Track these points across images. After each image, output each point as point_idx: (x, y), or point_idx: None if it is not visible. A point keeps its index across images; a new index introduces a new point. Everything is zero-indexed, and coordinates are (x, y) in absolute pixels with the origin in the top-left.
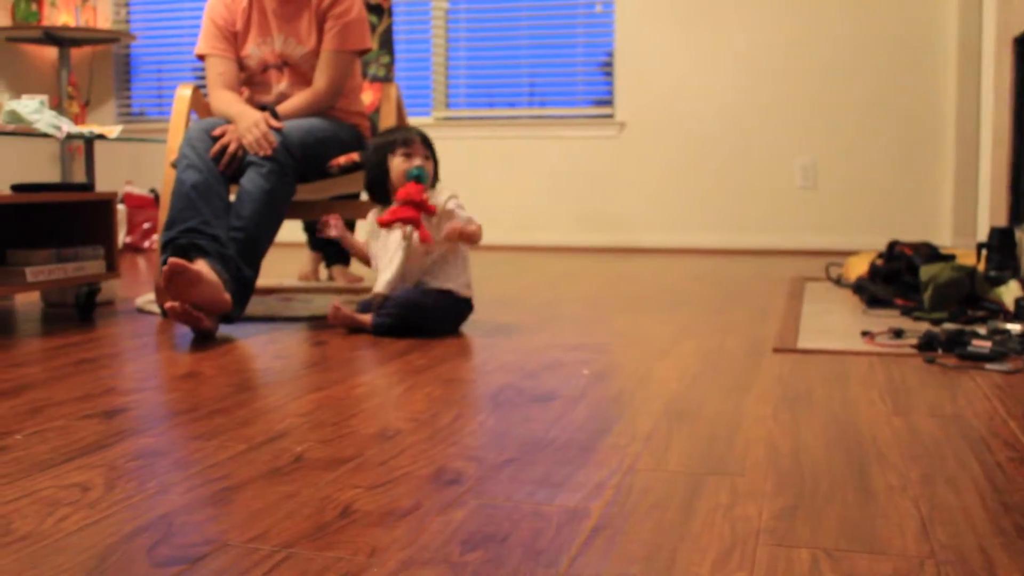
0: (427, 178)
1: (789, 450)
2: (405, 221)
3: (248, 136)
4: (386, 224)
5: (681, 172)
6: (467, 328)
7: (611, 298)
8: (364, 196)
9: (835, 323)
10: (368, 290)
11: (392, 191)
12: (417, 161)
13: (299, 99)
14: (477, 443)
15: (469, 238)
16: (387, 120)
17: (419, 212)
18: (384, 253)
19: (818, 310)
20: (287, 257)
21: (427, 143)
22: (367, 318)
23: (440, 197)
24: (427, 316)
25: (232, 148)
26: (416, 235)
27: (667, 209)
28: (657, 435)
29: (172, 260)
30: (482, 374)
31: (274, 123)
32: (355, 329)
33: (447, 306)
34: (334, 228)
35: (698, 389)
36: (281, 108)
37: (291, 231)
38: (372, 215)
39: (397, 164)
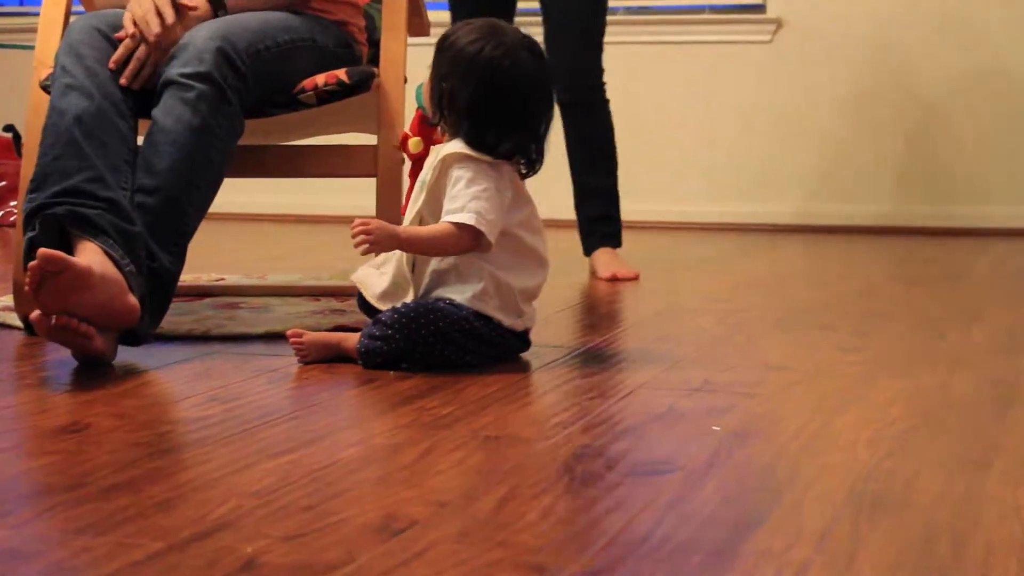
0: (420, 101)
1: None
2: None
3: (136, 8)
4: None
5: (871, 101)
6: (528, 352)
7: (759, 305)
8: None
9: None
10: None
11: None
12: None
13: None
14: (540, 542)
15: (401, 242)
16: (394, 15)
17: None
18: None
19: None
20: (232, 236)
21: (441, 48)
22: (352, 339)
23: (444, 150)
24: (445, 345)
25: (140, 51)
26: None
27: (849, 161)
28: (838, 533)
29: (44, 252)
30: (547, 430)
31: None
32: (338, 357)
33: (481, 336)
34: None
35: (906, 459)
36: None
37: (241, 191)
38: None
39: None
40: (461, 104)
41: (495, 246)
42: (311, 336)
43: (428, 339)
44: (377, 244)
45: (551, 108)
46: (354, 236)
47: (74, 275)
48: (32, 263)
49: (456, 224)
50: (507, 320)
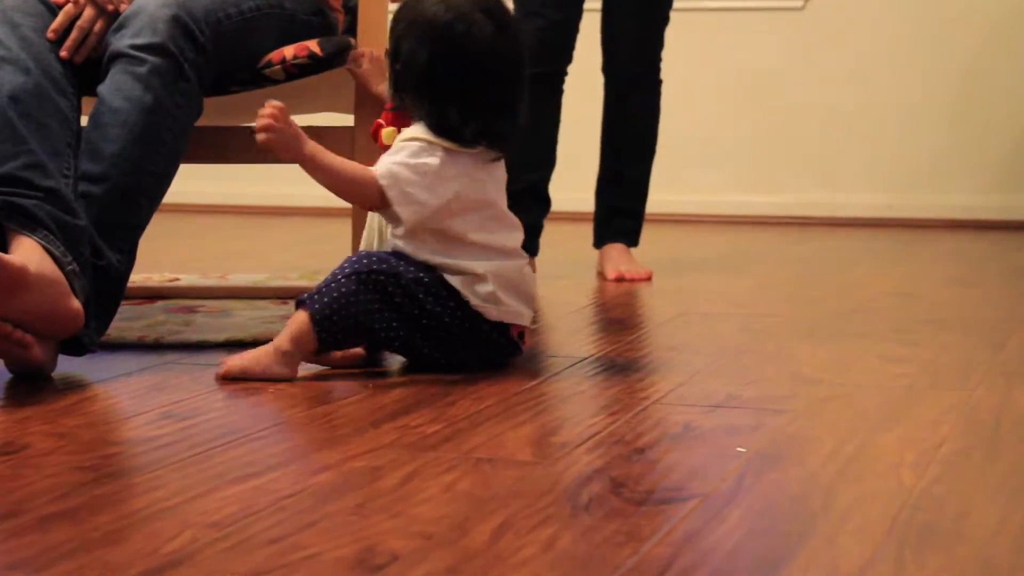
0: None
1: None
2: None
3: None
4: None
5: (914, 75)
6: (525, 362)
7: (788, 309)
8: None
9: None
10: None
11: None
12: None
13: None
14: None
15: (303, 154)
16: None
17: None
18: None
19: None
20: (189, 230)
21: (393, 20)
22: (269, 350)
23: (403, 135)
24: (404, 297)
25: (83, 18)
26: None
27: (890, 143)
28: (879, 571)
29: None
30: (547, 451)
31: None
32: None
33: (445, 303)
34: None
35: (958, 486)
36: None
37: (199, 179)
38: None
39: None
40: (415, 80)
41: (442, 244)
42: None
43: (386, 288)
44: (276, 141)
45: (518, 80)
46: (259, 118)
47: (7, 276)
48: None
49: (375, 176)
50: (474, 299)
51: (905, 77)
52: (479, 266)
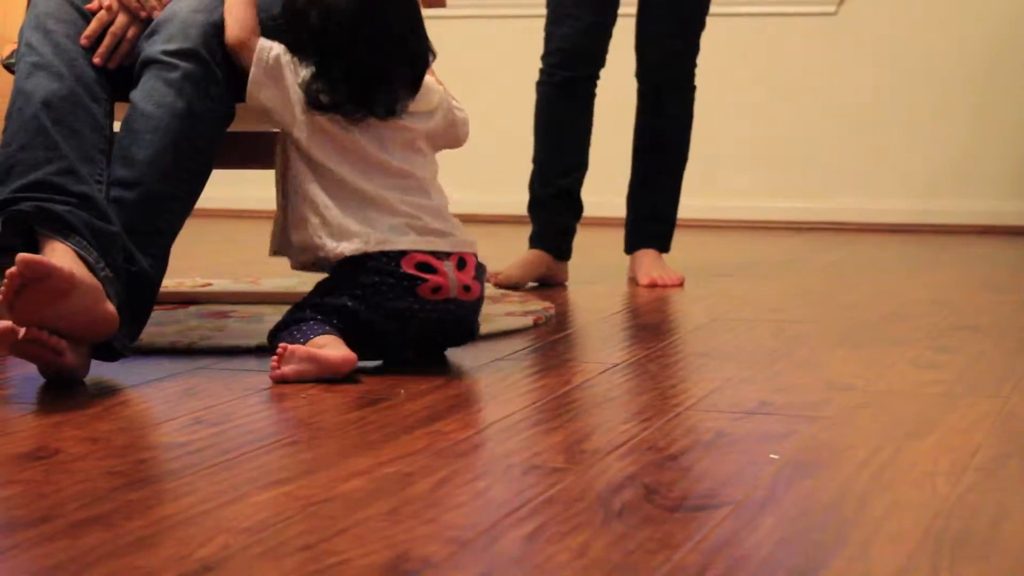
0: None
1: None
2: None
3: None
4: None
5: (954, 87)
6: (556, 368)
7: (821, 315)
8: None
9: None
10: None
11: None
12: None
13: None
14: None
15: None
16: None
17: None
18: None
19: None
20: (221, 235)
21: None
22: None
23: None
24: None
25: (116, 25)
26: None
27: (923, 149)
28: None
29: (25, 258)
30: (580, 457)
31: None
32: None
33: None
34: None
35: (993, 494)
36: None
37: (231, 184)
38: None
39: None
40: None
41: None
42: (302, 351)
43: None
44: None
45: (355, 34)
46: None
47: (57, 282)
48: (10, 269)
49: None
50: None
51: (937, 82)
52: (320, 198)
